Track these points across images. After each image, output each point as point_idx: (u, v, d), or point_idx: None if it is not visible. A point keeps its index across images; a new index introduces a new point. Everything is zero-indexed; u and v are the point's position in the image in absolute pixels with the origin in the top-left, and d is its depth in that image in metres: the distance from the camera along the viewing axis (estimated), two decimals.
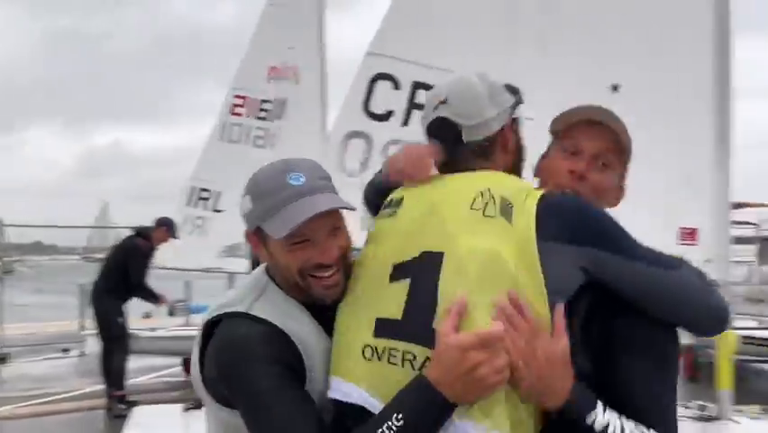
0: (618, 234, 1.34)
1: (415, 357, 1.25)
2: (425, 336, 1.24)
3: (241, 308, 1.41)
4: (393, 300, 1.31)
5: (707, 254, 3.56)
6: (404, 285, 1.31)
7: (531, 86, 3.41)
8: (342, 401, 1.32)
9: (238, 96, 9.39)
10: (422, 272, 1.30)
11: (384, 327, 1.31)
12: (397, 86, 3.58)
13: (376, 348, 1.30)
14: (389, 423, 1.20)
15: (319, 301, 1.42)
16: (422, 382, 1.21)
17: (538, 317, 1.24)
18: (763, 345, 8.57)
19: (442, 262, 1.28)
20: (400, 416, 1.19)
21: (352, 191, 3.88)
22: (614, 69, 3.02)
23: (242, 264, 7.92)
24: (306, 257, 1.39)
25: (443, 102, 1.46)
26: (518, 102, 1.54)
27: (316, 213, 1.35)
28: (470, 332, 1.19)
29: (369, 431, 1.22)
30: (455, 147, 1.45)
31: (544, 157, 1.57)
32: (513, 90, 1.54)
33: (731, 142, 2.79)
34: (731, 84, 2.83)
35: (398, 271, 1.34)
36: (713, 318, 1.36)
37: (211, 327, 1.44)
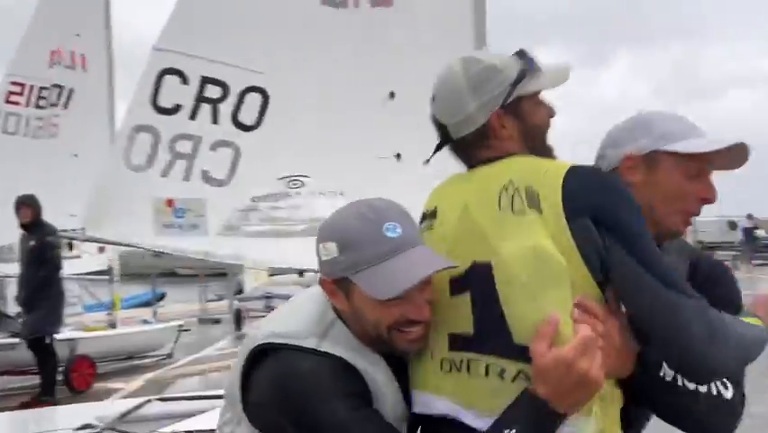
0: (640, 232, 1.27)
1: (504, 370, 1.27)
2: (506, 349, 1.26)
3: (308, 345, 1.36)
4: (459, 315, 1.33)
5: None
6: (465, 299, 1.32)
7: (317, 87, 3.54)
8: (425, 415, 1.35)
9: (15, 84, 8.66)
10: (478, 285, 1.31)
11: (458, 342, 1.33)
12: (185, 81, 3.56)
13: (453, 361, 1.33)
14: None
15: (399, 353, 1.40)
16: (533, 399, 1.22)
17: (592, 297, 1.26)
18: None
19: (492, 273, 1.28)
20: (513, 431, 1.22)
21: (136, 186, 3.66)
22: (392, 79, 3.41)
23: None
24: (401, 312, 1.34)
25: (433, 99, 1.43)
26: (521, 76, 1.36)
27: (429, 274, 1.32)
28: (569, 345, 1.19)
29: None
30: (451, 143, 1.43)
31: (635, 162, 1.44)
32: (522, 55, 1.38)
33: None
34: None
35: (456, 285, 1.34)
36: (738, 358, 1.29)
37: (259, 353, 1.39)
